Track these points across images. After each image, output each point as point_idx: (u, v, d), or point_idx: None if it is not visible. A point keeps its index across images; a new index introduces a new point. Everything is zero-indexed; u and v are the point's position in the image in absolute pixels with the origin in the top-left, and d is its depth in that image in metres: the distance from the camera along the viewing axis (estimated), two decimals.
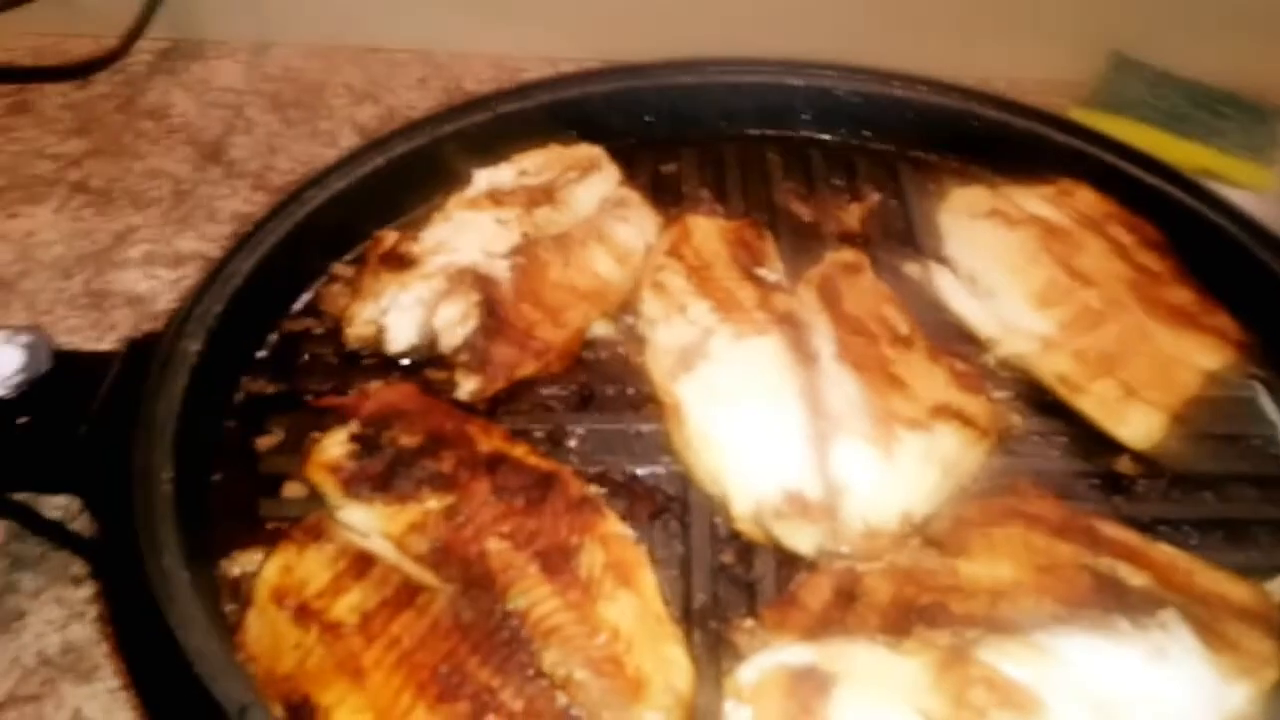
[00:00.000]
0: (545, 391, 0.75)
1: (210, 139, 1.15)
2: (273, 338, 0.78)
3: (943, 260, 0.85)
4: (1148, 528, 0.69)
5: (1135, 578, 0.63)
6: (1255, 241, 0.83)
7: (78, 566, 0.78)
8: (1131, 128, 1.15)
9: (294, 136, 1.16)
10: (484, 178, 0.86)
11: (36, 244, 1.03)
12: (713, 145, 0.97)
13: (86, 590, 0.77)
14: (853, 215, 0.90)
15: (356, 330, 0.77)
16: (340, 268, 0.83)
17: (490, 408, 0.74)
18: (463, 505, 0.64)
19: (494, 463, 0.66)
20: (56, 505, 0.80)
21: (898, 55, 1.15)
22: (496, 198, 0.84)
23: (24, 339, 0.73)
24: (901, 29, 1.23)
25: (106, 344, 0.93)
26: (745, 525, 0.67)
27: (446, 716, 0.55)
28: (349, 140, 1.15)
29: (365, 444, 0.67)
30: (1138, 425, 0.73)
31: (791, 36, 1.14)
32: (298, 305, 0.81)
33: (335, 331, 0.78)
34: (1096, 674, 0.58)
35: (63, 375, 0.72)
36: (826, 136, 0.98)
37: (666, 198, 0.91)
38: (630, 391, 0.75)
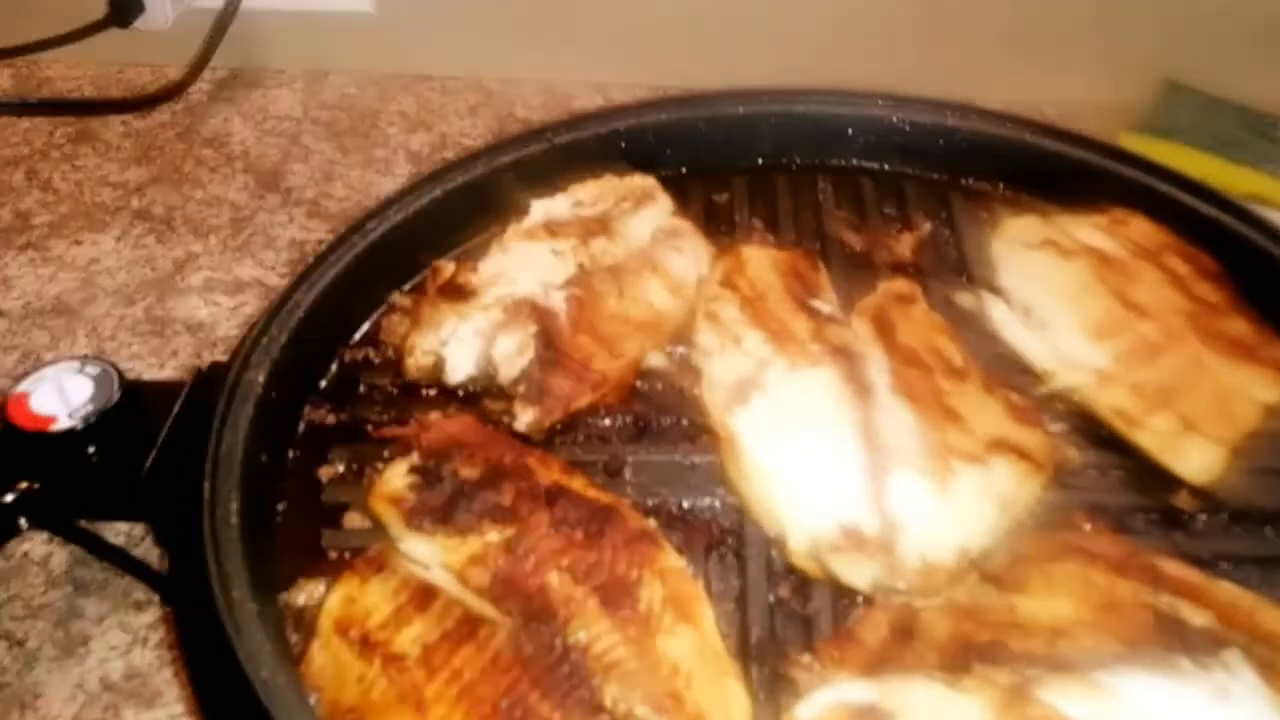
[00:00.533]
0: (601, 422, 0.76)
1: (268, 167, 1.18)
2: (333, 368, 0.80)
3: (996, 290, 0.85)
4: (1208, 564, 0.68)
5: (1197, 616, 0.63)
6: None
7: (140, 592, 0.79)
8: (1183, 153, 1.15)
9: (349, 164, 1.18)
10: (540, 208, 0.88)
11: (100, 271, 1.05)
12: (765, 174, 0.98)
13: (149, 616, 0.78)
14: (904, 245, 0.90)
15: (416, 361, 0.78)
16: (399, 297, 0.85)
17: (547, 438, 0.74)
18: (523, 538, 0.65)
19: (553, 495, 0.67)
20: (119, 530, 0.82)
21: (949, 80, 1.15)
22: (552, 229, 0.85)
23: (93, 370, 0.75)
24: (952, 54, 1.24)
25: (168, 370, 0.95)
26: (801, 559, 0.68)
27: None
28: (403, 168, 1.17)
29: (426, 476, 0.68)
30: (1197, 460, 0.72)
31: (841, 63, 1.15)
32: (358, 335, 0.82)
33: (395, 361, 0.79)
34: (1158, 714, 0.58)
35: (130, 405, 0.73)
36: (878, 165, 0.98)
37: (719, 228, 0.91)
38: (685, 423, 0.76)
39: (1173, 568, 0.66)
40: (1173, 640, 0.61)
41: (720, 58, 1.23)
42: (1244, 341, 0.79)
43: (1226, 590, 0.65)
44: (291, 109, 1.26)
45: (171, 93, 1.21)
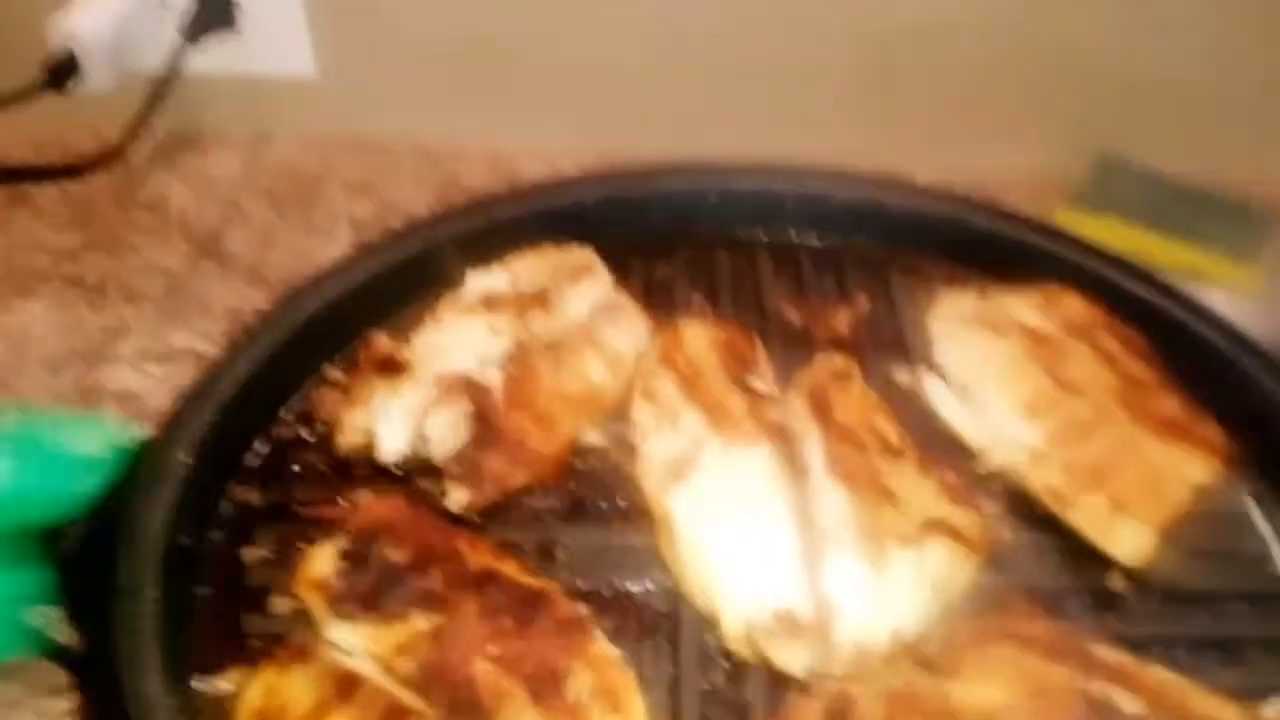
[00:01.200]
0: (535, 503, 0.75)
1: (206, 231, 1.16)
2: (263, 445, 0.78)
3: (933, 367, 0.86)
4: (1140, 647, 0.68)
5: (1129, 703, 0.63)
6: (1242, 353, 0.84)
7: (58, 677, 0.76)
8: (1118, 228, 1.17)
9: (290, 230, 1.17)
10: (477, 282, 0.87)
11: (29, 340, 1.03)
12: (705, 248, 0.98)
13: (67, 701, 0.75)
14: (842, 321, 0.91)
15: (347, 438, 0.77)
16: (332, 370, 0.83)
17: (480, 518, 0.73)
18: (451, 625, 0.63)
19: (483, 580, 0.65)
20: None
21: (888, 154, 1.16)
22: (490, 303, 0.84)
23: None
24: (890, 129, 1.25)
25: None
26: (736, 644, 0.67)
27: None
28: (344, 235, 1.16)
29: (353, 560, 0.67)
30: (1128, 541, 0.73)
31: (782, 136, 1.16)
32: (289, 410, 0.81)
33: (326, 438, 0.78)
34: None
35: None
36: (817, 241, 0.99)
37: (658, 302, 0.91)
38: (621, 502, 0.75)
39: (1105, 653, 0.66)
40: None
41: (667, 129, 1.24)
42: (1175, 420, 0.80)
43: (1157, 676, 0.65)
44: (232, 173, 1.25)
45: (109, 157, 1.19)
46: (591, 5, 1.21)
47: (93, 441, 0.71)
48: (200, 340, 1.03)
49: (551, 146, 1.28)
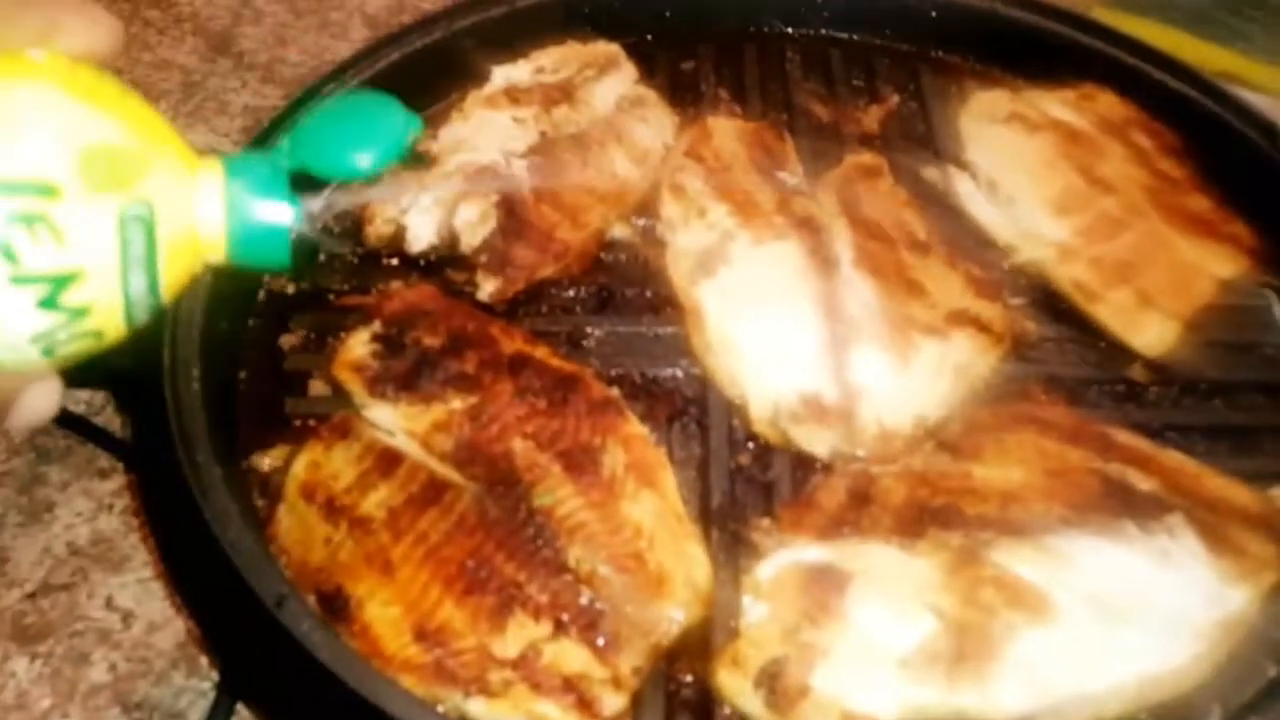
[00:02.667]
0: (564, 293, 0.76)
1: (218, 29, 1.13)
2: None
3: (962, 165, 0.85)
4: (1158, 434, 0.70)
5: (1144, 482, 0.65)
6: (1276, 149, 0.82)
7: (104, 460, 0.79)
8: (1154, 29, 1.13)
9: (303, 28, 1.14)
10: (501, 75, 0.85)
11: None
12: (732, 43, 0.96)
13: (114, 483, 0.78)
14: (872, 117, 0.89)
15: (376, 229, 0.77)
16: None
17: (510, 309, 0.74)
18: (487, 405, 0.65)
19: (517, 364, 0.67)
20: (79, 399, 0.81)
21: None
22: (514, 95, 0.83)
23: None
24: None
25: None
26: (763, 427, 0.69)
27: (473, 609, 0.57)
28: (359, 32, 1.14)
29: (388, 344, 0.68)
30: (1151, 333, 0.74)
31: None
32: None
33: (354, 229, 0.78)
34: (1103, 576, 0.60)
35: None
36: (846, 35, 0.96)
37: (684, 97, 0.90)
38: (649, 294, 0.76)
39: (1123, 437, 0.68)
40: (1119, 505, 0.63)
41: None
42: (1204, 218, 0.80)
43: (1173, 458, 0.67)
44: None
45: None
46: None
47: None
48: (220, 139, 1.02)
49: None
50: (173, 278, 0.40)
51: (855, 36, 0.96)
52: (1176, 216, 0.79)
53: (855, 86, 0.93)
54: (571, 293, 0.76)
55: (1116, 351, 0.74)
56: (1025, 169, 0.82)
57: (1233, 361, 0.74)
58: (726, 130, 0.83)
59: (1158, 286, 0.75)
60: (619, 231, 0.79)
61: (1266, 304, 0.78)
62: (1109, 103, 0.87)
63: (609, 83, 0.86)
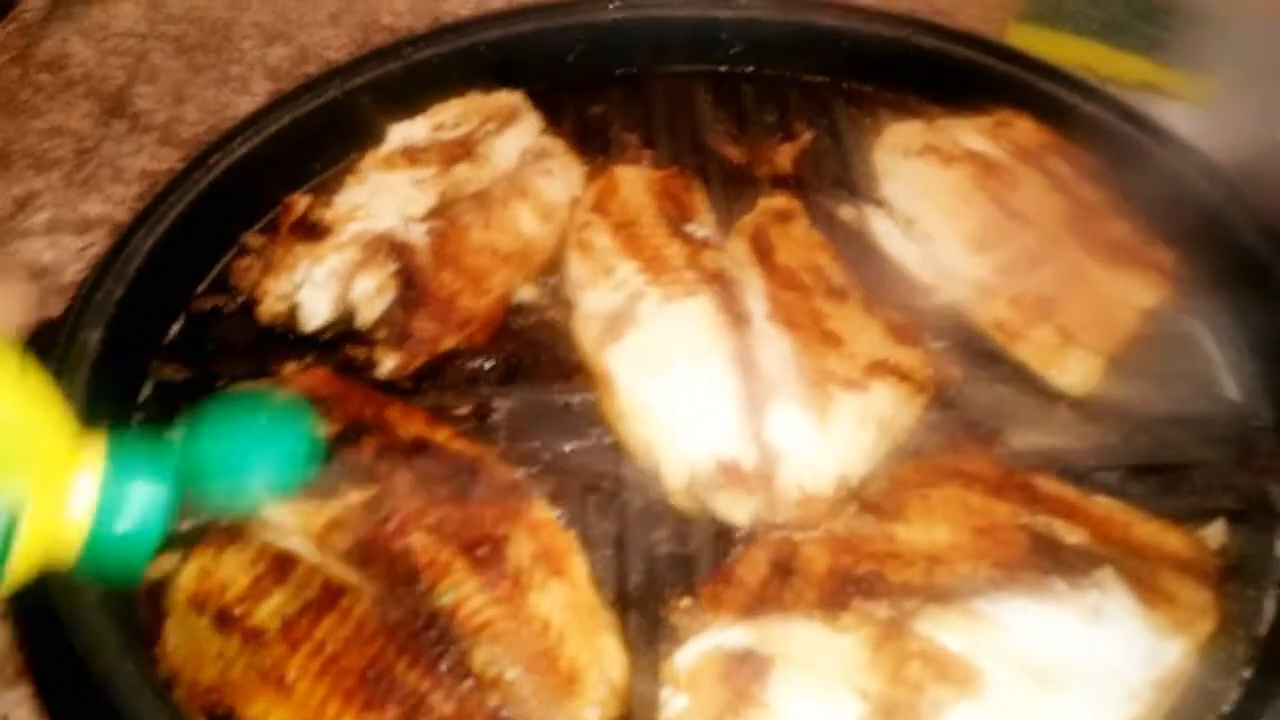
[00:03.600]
0: (470, 364, 0.73)
1: (113, 90, 1.09)
2: (181, 318, 0.75)
3: (879, 202, 0.83)
4: (1085, 477, 0.68)
5: (1072, 535, 0.63)
6: (1195, 172, 0.81)
7: None
8: (1071, 42, 1.12)
9: (202, 83, 1.10)
10: (399, 133, 0.82)
11: None
12: (641, 83, 0.93)
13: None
14: (785, 156, 0.87)
15: (269, 307, 0.73)
16: (251, 237, 0.79)
17: (413, 384, 0.71)
18: (385, 498, 0.62)
19: (416, 450, 0.64)
20: None
21: None
22: (412, 155, 0.80)
23: None
24: None
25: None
26: (680, 498, 0.66)
27: None
28: (261, 85, 1.09)
29: None
30: (1075, 371, 0.72)
31: None
32: (207, 281, 0.77)
33: (248, 308, 0.74)
34: (1034, 639, 0.58)
35: None
36: (758, 70, 0.94)
37: (593, 143, 0.87)
38: (559, 359, 0.73)
39: (1049, 486, 0.66)
40: (1048, 561, 0.61)
41: None
42: (1125, 245, 0.79)
43: (1101, 506, 0.65)
44: (136, 24, 1.16)
45: (2, 12, 1.11)
46: None
47: None
48: (114, 208, 0.98)
49: None
50: (21, 569, 0.39)
51: (767, 70, 0.94)
52: (1097, 245, 0.78)
53: (768, 123, 0.90)
54: (477, 363, 0.73)
55: (1041, 391, 0.72)
56: (942, 204, 0.80)
57: (1159, 395, 0.73)
58: (634, 181, 0.80)
59: (1079, 322, 0.73)
60: (526, 294, 0.77)
61: (1191, 330, 0.77)
62: (1025, 129, 0.86)
63: (511, 135, 0.83)
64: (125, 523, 0.41)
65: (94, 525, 0.40)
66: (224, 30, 1.16)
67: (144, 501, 0.42)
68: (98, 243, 0.93)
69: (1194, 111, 1.05)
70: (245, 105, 1.06)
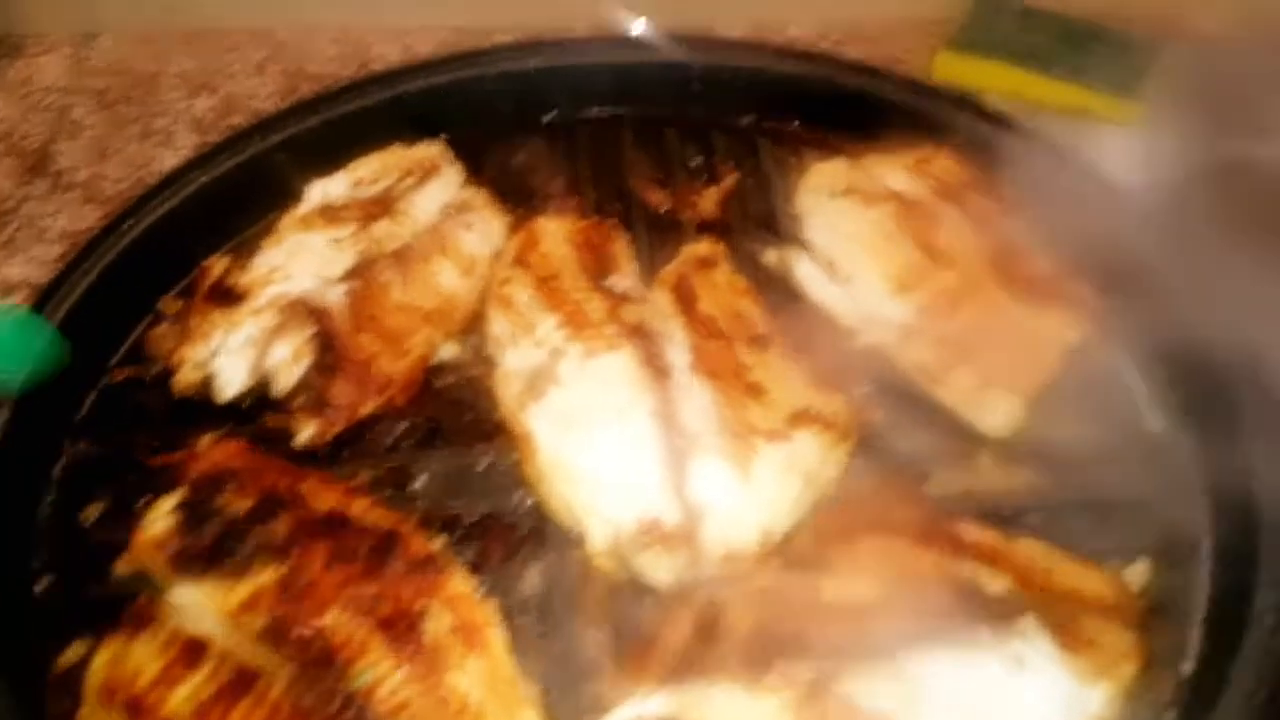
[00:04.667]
0: (389, 428, 0.72)
1: (34, 147, 1.07)
2: (95, 391, 0.73)
3: (802, 244, 0.83)
4: (1011, 519, 0.68)
5: (995, 582, 0.63)
6: (1111, 202, 0.81)
7: None
8: (999, 69, 1.13)
9: (125, 138, 1.08)
10: (318, 191, 0.82)
11: None
12: (563, 130, 0.93)
13: None
14: (710, 200, 0.87)
15: (185, 377, 0.72)
16: (167, 303, 0.78)
17: (332, 451, 0.70)
18: (300, 574, 0.61)
19: (331, 524, 0.63)
20: None
21: (763, 4, 1.12)
22: (330, 214, 0.79)
23: None
24: None
25: None
26: (603, 560, 0.65)
27: None
28: (185, 139, 1.08)
29: (193, 514, 0.63)
30: (997, 414, 0.72)
31: None
32: (122, 351, 0.76)
33: (164, 378, 0.73)
34: (956, 692, 0.58)
35: None
36: (680, 112, 0.94)
37: (515, 193, 0.87)
38: (480, 419, 0.72)
39: (973, 533, 0.65)
40: (972, 611, 0.61)
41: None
42: (1045, 280, 0.79)
43: (1024, 551, 0.65)
44: (58, 79, 1.15)
45: None
46: None
47: None
48: (37, 270, 0.96)
49: (405, 23, 1.19)
50: None
51: (690, 113, 0.94)
52: (1017, 282, 0.78)
53: (692, 167, 0.90)
54: (397, 427, 0.72)
55: (966, 435, 0.72)
56: (864, 245, 0.80)
57: (1082, 431, 0.73)
58: (556, 233, 0.80)
59: (1000, 364, 0.73)
60: (448, 351, 0.76)
61: (1115, 366, 0.77)
62: (946, 165, 0.86)
63: (432, 189, 0.82)
64: None
65: None
66: (148, 82, 1.15)
67: None
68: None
69: (1121, 134, 1.06)
70: (170, 159, 1.05)
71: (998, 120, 0.88)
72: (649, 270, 0.80)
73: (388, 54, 1.17)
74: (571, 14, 1.14)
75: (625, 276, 0.78)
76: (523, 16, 1.15)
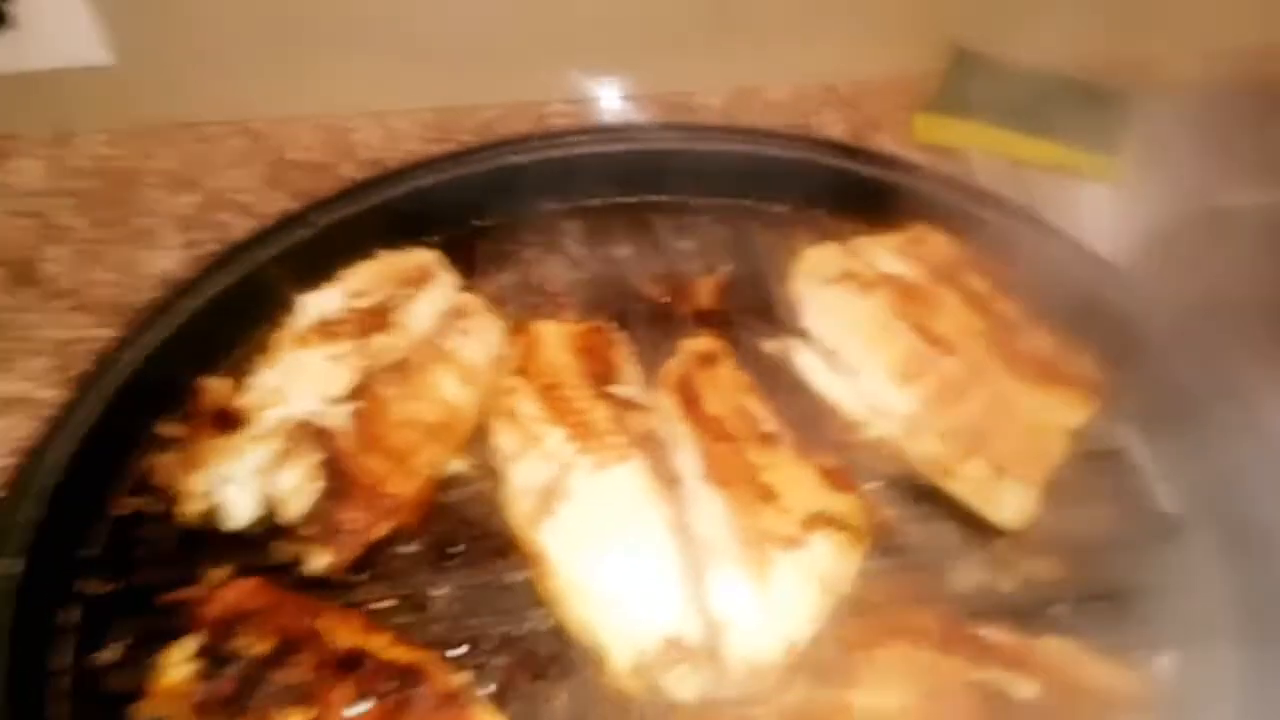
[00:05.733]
0: (402, 550, 0.71)
1: (19, 256, 1.06)
2: (103, 528, 0.72)
3: (801, 333, 0.83)
4: (1030, 614, 0.68)
5: (1023, 688, 0.63)
6: (1104, 276, 0.82)
7: None
8: (978, 129, 1.14)
9: (111, 240, 1.07)
10: (312, 305, 0.81)
11: None
12: (554, 223, 0.92)
13: None
14: (706, 290, 0.87)
15: (190, 508, 0.71)
16: (166, 428, 0.77)
17: (346, 577, 0.69)
18: (326, 717, 0.60)
19: (352, 662, 0.62)
20: None
21: (740, 70, 1.12)
22: (327, 329, 0.78)
23: None
24: (740, 42, 1.19)
25: None
26: (627, 679, 0.65)
27: None
28: (171, 238, 1.07)
29: (212, 658, 0.62)
30: (1011, 505, 0.72)
31: (627, 66, 1.10)
32: (127, 483, 0.75)
33: (170, 507, 0.72)
34: None
35: None
36: (672, 200, 0.94)
37: (510, 294, 0.87)
38: (493, 534, 0.72)
39: (996, 635, 0.66)
40: None
41: (504, 73, 1.16)
42: (1046, 360, 0.79)
43: (1050, 650, 0.65)
44: (38, 181, 1.13)
45: None
46: None
47: None
48: (32, 385, 0.95)
49: (385, 106, 1.19)
50: None
51: (679, 199, 0.94)
52: (1019, 364, 0.78)
53: (686, 254, 0.90)
54: (410, 549, 0.72)
55: (980, 527, 0.72)
56: (863, 335, 0.80)
57: (1095, 517, 0.74)
58: (555, 338, 0.79)
59: (1009, 453, 0.73)
60: (456, 466, 0.75)
61: (1122, 445, 0.78)
62: (937, 245, 0.86)
63: (427, 298, 0.82)
64: None
65: None
66: (130, 181, 1.14)
67: None
68: (18, 425, 0.90)
69: (1104, 193, 1.07)
70: (156, 260, 1.05)
71: (984, 197, 0.88)
72: (650, 367, 0.80)
73: (369, 138, 1.16)
74: (548, 87, 1.15)
75: (628, 381, 0.78)
76: (500, 93, 1.16)
